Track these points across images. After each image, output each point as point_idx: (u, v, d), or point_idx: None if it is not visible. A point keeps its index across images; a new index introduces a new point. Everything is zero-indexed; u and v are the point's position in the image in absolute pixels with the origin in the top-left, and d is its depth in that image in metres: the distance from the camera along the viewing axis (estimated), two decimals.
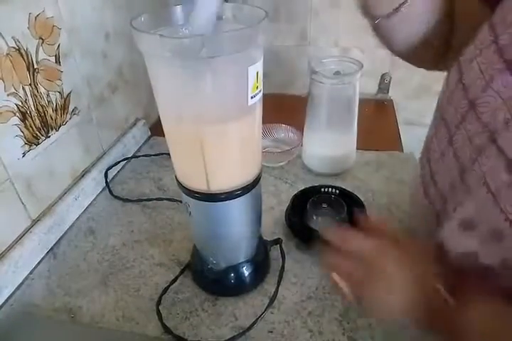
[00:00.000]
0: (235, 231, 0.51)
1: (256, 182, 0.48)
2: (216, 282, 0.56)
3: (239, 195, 0.47)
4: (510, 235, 0.36)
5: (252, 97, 0.41)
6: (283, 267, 0.59)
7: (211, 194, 0.46)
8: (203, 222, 0.51)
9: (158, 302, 0.55)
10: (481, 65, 0.41)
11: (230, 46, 0.36)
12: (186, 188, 0.47)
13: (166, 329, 0.52)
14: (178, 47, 0.35)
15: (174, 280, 0.58)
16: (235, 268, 0.56)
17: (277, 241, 0.61)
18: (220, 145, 0.43)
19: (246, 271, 0.56)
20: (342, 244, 0.43)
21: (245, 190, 0.47)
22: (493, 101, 0.39)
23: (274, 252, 0.61)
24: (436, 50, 0.52)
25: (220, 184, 0.46)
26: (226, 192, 0.46)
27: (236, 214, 0.49)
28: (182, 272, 0.60)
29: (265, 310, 0.54)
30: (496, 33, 0.40)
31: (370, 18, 0.54)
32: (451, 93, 0.47)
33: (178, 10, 0.43)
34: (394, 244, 0.44)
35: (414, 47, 0.56)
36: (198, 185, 0.46)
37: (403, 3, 0.51)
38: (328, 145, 0.78)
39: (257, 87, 0.41)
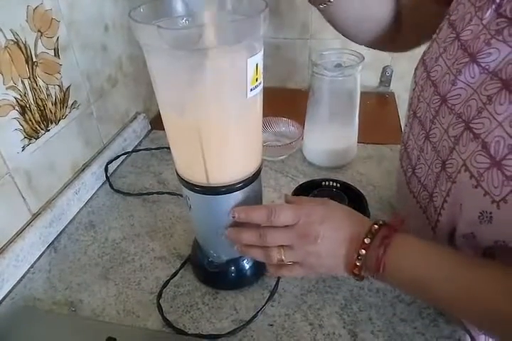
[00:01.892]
0: (233, 224, 0.51)
1: (256, 175, 0.48)
2: (217, 275, 0.56)
3: (239, 188, 0.46)
4: (500, 217, 0.37)
5: (251, 90, 0.40)
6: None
7: (211, 187, 0.46)
8: (203, 215, 0.51)
9: (159, 296, 0.55)
10: (446, 61, 0.44)
11: (229, 37, 0.36)
12: (186, 181, 0.47)
13: (167, 323, 0.52)
14: (176, 38, 0.35)
15: (175, 274, 0.58)
16: (236, 261, 0.56)
17: None
18: (220, 138, 0.43)
19: (247, 264, 0.56)
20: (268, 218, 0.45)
21: (245, 183, 0.47)
22: (464, 93, 0.41)
23: None
24: (381, 32, 0.54)
25: (219, 177, 0.45)
26: (226, 185, 0.46)
27: (237, 206, 0.48)
28: (183, 266, 0.60)
29: (265, 304, 0.54)
30: (457, 31, 0.44)
31: (314, 5, 0.59)
32: (421, 91, 0.49)
33: (177, 1, 0.42)
34: (314, 208, 0.46)
35: (358, 30, 0.61)
36: (198, 178, 0.46)
37: None
38: (329, 139, 0.77)
39: (257, 79, 0.40)
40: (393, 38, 0.61)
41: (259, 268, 0.57)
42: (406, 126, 0.55)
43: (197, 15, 0.43)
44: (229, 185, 0.46)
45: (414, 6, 0.57)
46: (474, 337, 0.50)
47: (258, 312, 0.53)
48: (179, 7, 0.42)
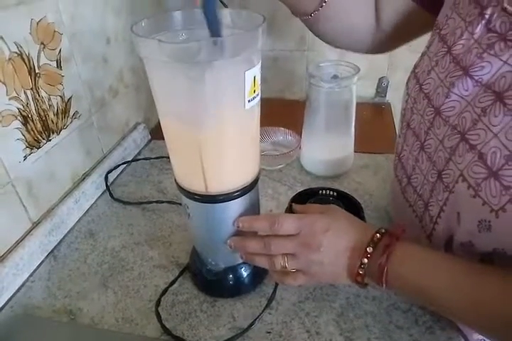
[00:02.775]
0: (233, 233, 0.52)
1: (254, 184, 0.49)
2: (214, 283, 0.57)
3: (237, 197, 0.47)
4: (498, 225, 0.37)
5: (249, 101, 0.41)
6: None
7: (209, 195, 0.47)
8: (201, 223, 0.52)
9: (157, 304, 0.56)
10: (439, 74, 0.45)
11: (227, 51, 0.37)
12: (185, 190, 0.48)
13: (165, 330, 0.52)
14: (175, 51, 0.36)
15: (173, 282, 0.59)
16: (234, 269, 0.56)
17: None
18: (218, 148, 0.44)
19: (245, 272, 0.57)
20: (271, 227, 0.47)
21: (243, 191, 0.48)
22: (458, 105, 0.42)
23: None
24: (364, 37, 0.55)
25: (218, 186, 0.46)
26: (224, 194, 0.47)
27: (234, 215, 0.49)
28: (181, 273, 0.60)
29: (263, 311, 0.54)
30: (448, 45, 0.45)
31: (297, 17, 0.62)
32: (414, 103, 0.50)
33: (178, 15, 0.44)
34: (318, 218, 0.48)
35: (341, 38, 0.63)
36: (196, 187, 0.47)
37: (320, 5, 0.57)
38: (325, 148, 0.78)
39: (255, 91, 0.42)
40: (373, 42, 0.64)
41: (257, 276, 0.58)
42: (399, 137, 0.56)
43: (196, 29, 0.44)
44: (227, 194, 0.47)
45: (395, 12, 0.58)
46: None
47: (255, 319, 0.53)
48: (178, 21, 0.44)
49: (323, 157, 0.79)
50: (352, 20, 0.59)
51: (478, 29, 0.41)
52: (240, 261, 0.56)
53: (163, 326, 0.53)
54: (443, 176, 0.44)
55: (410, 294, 0.44)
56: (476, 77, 0.40)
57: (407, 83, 0.53)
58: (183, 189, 0.48)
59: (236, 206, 0.49)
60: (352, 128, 0.77)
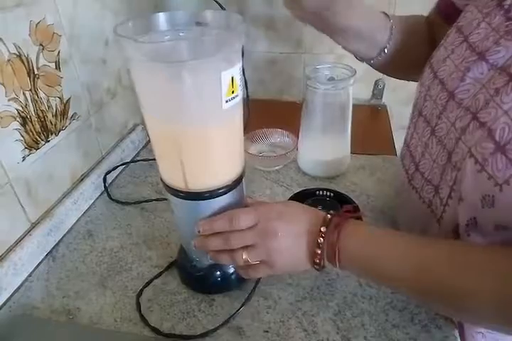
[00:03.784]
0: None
1: (237, 182, 0.49)
2: (199, 279, 0.58)
3: (219, 195, 0.48)
4: (501, 199, 0.39)
5: (227, 101, 0.42)
6: None
7: (190, 192, 0.47)
8: (184, 219, 0.53)
9: (139, 294, 0.57)
10: (454, 60, 0.47)
11: (202, 51, 0.38)
12: (168, 186, 0.49)
13: (156, 331, 0.53)
14: (152, 51, 0.38)
15: (159, 275, 0.60)
16: (218, 266, 0.57)
17: None
18: (197, 146, 0.44)
19: (229, 270, 0.57)
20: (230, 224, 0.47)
21: (226, 190, 0.48)
22: (473, 88, 0.44)
23: None
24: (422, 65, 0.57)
25: (198, 183, 0.47)
26: (205, 191, 0.47)
27: (217, 213, 0.50)
28: (167, 268, 0.61)
29: (243, 305, 0.55)
30: (465, 34, 0.47)
31: (362, 61, 0.66)
32: (428, 90, 0.52)
33: (164, 16, 0.45)
34: (271, 206, 0.49)
35: (407, 72, 0.67)
36: (177, 183, 0.48)
37: (380, 54, 0.62)
38: (322, 150, 0.79)
39: (233, 92, 0.42)
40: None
41: None
42: (409, 128, 0.58)
43: (181, 31, 0.45)
44: (208, 191, 0.47)
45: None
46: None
47: (233, 314, 0.54)
48: (165, 22, 0.45)
49: (319, 158, 0.80)
50: (414, 60, 0.62)
51: (497, 19, 0.43)
52: None
53: (142, 318, 0.54)
54: (452, 156, 0.45)
55: (361, 270, 0.46)
56: (491, 61, 0.42)
57: (421, 74, 0.55)
58: (166, 185, 0.49)
59: (219, 204, 0.49)
60: (348, 129, 0.78)
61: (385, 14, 0.62)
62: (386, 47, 0.61)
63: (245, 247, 0.47)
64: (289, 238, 0.46)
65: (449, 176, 0.46)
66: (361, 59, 0.66)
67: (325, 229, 0.45)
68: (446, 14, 0.58)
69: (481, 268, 0.39)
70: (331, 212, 0.47)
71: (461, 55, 0.46)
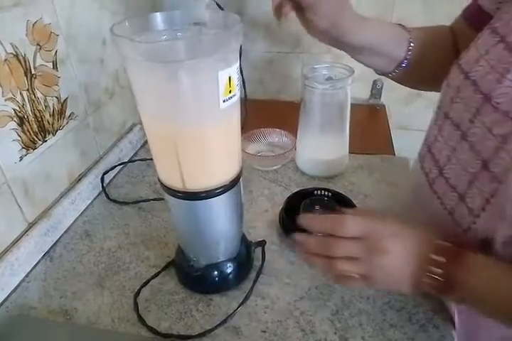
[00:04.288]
0: (213, 230, 0.52)
1: (234, 182, 0.49)
2: (197, 279, 0.58)
3: (216, 195, 0.48)
4: None
5: (224, 101, 0.42)
6: (261, 267, 0.61)
7: (187, 192, 0.47)
8: (181, 219, 0.53)
9: (137, 294, 0.57)
10: (489, 61, 0.44)
11: (199, 50, 0.38)
12: (166, 186, 0.49)
13: (152, 330, 0.53)
14: (148, 51, 0.38)
15: (156, 275, 0.60)
16: (215, 266, 0.57)
17: (261, 243, 0.62)
18: (194, 146, 0.44)
19: (226, 270, 0.57)
20: (335, 227, 0.45)
21: (223, 190, 0.48)
22: (511, 92, 0.41)
23: (267, 253, 0.62)
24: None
25: (195, 183, 0.47)
26: (202, 191, 0.47)
27: (213, 213, 0.50)
28: (165, 268, 0.61)
29: (239, 307, 0.55)
30: (501, 35, 0.44)
31: (381, 75, 0.66)
32: (457, 92, 0.49)
33: (160, 16, 0.45)
34: (385, 223, 0.46)
35: (431, 84, 0.63)
36: (175, 183, 0.47)
37: (402, 61, 0.61)
38: (321, 149, 0.79)
39: (231, 91, 0.42)
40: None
41: (239, 274, 0.59)
42: (432, 129, 0.55)
43: (179, 30, 0.45)
44: (205, 191, 0.47)
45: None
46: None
47: (236, 310, 0.54)
48: (162, 22, 0.45)
49: (318, 157, 0.80)
50: (438, 72, 0.59)
51: None
52: (222, 258, 0.57)
53: (140, 318, 0.54)
54: (490, 165, 0.43)
55: (475, 304, 0.44)
56: None
57: (448, 75, 0.53)
58: (164, 185, 0.49)
59: (215, 204, 0.49)
60: (347, 129, 0.78)
61: (402, 27, 0.61)
62: (404, 60, 0.60)
63: (348, 258, 0.45)
64: (398, 260, 0.43)
65: (487, 187, 0.43)
66: (380, 73, 0.66)
67: (440, 259, 0.42)
68: (474, 20, 0.56)
69: None
70: (446, 243, 0.43)
71: (497, 55, 0.44)
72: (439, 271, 0.42)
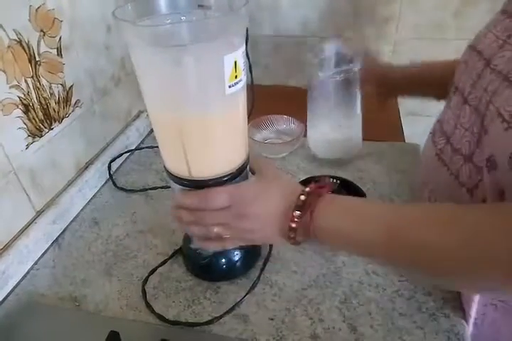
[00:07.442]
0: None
1: (240, 170, 0.48)
2: (204, 267, 0.57)
3: (222, 183, 0.47)
4: None
5: (230, 86, 0.40)
6: (269, 255, 0.61)
7: (193, 180, 0.47)
8: None
9: (145, 282, 0.57)
10: (495, 33, 0.48)
11: (203, 34, 0.37)
12: (172, 174, 0.48)
13: (161, 318, 0.53)
14: (152, 35, 0.36)
15: (164, 263, 0.60)
16: (223, 254, 0.57)
17: None
18: (200, 133, 0.43)
19: (234, 257, 0.57)
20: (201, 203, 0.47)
21: (229, 178, 0.47)
22: (509, 54, 0.44)
23: None
24: None
25: (201, 171, 0.46)
26: (208, 179, 0.46)
27: None
28: (172, 256, 0.61)
29: (246, 295, 0.55)
30: (509, 12, 0.48)
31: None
32: (466, 66, 0.52)
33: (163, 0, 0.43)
34: (249, 187, 0.48)
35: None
36: (181, 171, 0.47)
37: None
38: (333, 129, 0.77)
39: (236, 77, 0.41)
40: None
41: (247, 262, 0.59)
42: (445, 107, 0.58)
43: (182, 14, 0.44)
44: (212, 179, 0.46)
45: None
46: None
47: (243, 297, 0.55)
48: (166, 5, 0.43)
49: (330, 137, 0.78)
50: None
51: None
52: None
53: (148, 305, 0.54)
54: (484, 120, 0.45)
55: (339, 244, 0.45)
56: None
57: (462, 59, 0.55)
58: (170, 173, 0.48)
59: None
60: (358, 109, 0.76)
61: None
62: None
63: (219, 224, 0.47)
64: (261, 221, 0.46)
65: (484, 143, 0.45)
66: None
67: (298, 214, 0.43)
68: None
69: (448, 223, 0.37)
70: (306, 189, 0.45)
71: (503, 26, 0.47)
72: (294, 225, 0.43)
